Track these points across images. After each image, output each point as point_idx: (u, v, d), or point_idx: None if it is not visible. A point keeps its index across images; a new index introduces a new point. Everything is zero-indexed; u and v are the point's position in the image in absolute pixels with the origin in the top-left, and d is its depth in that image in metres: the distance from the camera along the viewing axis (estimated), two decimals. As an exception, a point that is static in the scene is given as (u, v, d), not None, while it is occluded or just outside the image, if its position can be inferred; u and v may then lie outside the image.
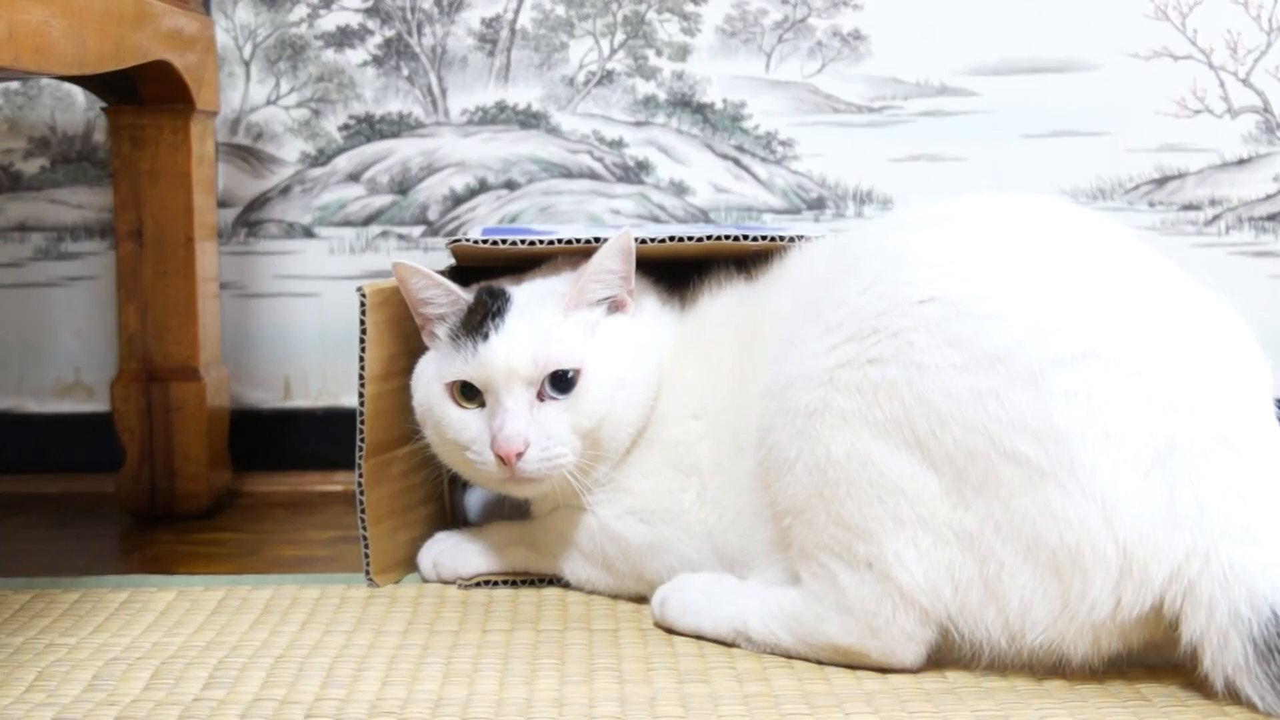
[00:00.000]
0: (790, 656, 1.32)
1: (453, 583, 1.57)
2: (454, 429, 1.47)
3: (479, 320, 1.46)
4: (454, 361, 1.46)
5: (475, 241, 1.55)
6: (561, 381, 1.45)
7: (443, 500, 1.72)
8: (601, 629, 1.42)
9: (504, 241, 1.54)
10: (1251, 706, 1.17)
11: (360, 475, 1.56)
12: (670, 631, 1.40)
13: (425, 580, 1.58)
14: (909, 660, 1.27)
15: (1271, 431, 1.24)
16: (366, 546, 1.57)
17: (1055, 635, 1.22)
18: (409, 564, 1.62)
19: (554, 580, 1.57)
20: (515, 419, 1.42)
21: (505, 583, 1.57)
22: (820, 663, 1.30)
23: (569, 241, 1.54)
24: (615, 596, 1.53)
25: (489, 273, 1.58)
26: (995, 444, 1.20)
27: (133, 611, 1.48)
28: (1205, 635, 1.18)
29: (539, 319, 1.46)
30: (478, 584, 1.57)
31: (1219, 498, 1.19)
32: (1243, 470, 1.20)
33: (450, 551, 1.59)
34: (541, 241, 1.54)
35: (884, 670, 1.28)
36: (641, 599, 1.50)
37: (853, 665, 1.29)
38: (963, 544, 1.22)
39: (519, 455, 1.41)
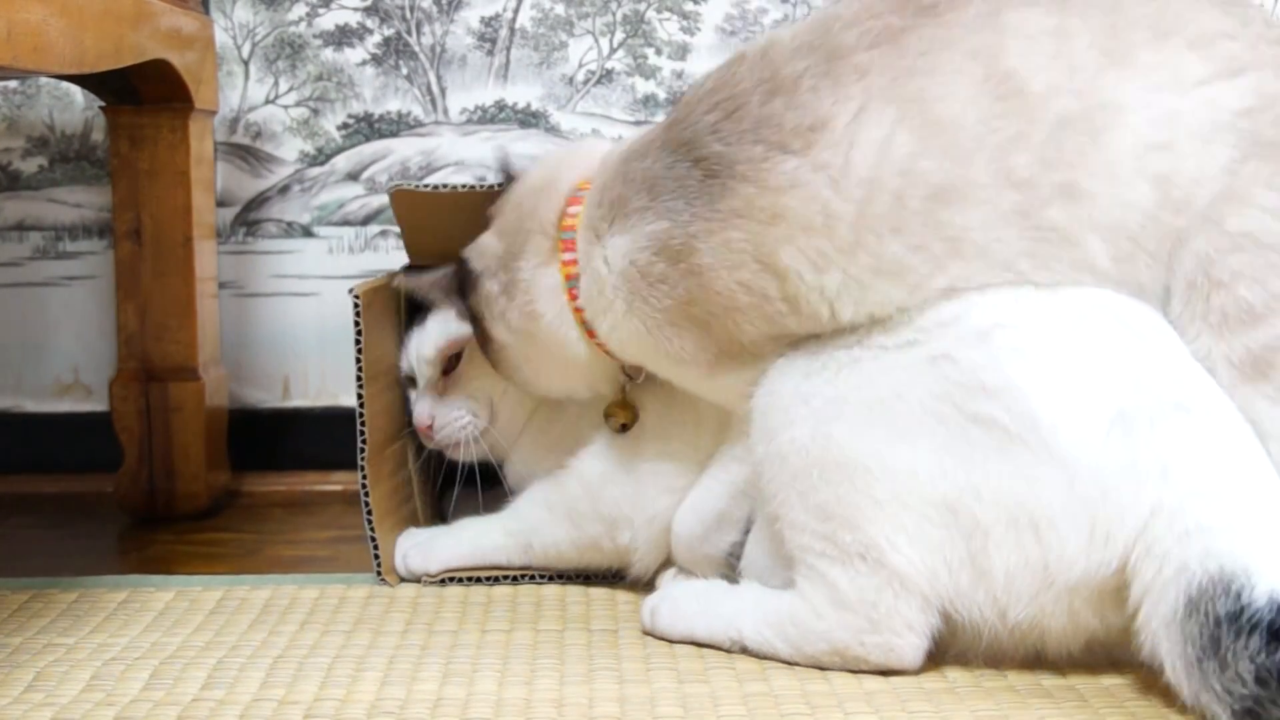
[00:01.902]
0: (788, 663, 1.31)
1: (420, 580, 1.57)
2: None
3: (410, 320, 1.67)
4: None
5: (416, 186, 1.59)
6: (455, 360, 1.63)
7: (430, 495, 1.73)
8: (601, 629, 1.42)
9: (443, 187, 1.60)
10: (1161, 670, 1.16)
11: (364, 475, 1.55)
12: (664, 640, 1.39)
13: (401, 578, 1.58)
14: (909, 656, 1.26)
15: (1225, 404, 1.24)
16: (376, 547, 1.56)
17: (1037, 609, 1.22)
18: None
19: (526, 575, 1.57)
20: (419, 403, 1.64)
21: (487, 579, 1.57)
22: (820, 668, 1.30)
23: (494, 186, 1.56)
24: (581, 565, 1.55)
25: None
26: (960, 408, 1.22)
27: (131, 611, 1.48)
28: (1149, 589, 1.17)
29: (449, 311, 1.59)
30: (444, 580, 1.57)
31: (1181, 457, 1.19)
32: (1201, 434, 1.21)
33: (422, 545, 1.59)
34: (473, 187, 1.58)
35: (884, 672, 1.28)
36: (609, 576, 1.51)
37: (852, 668, 1.28)
38: (945, 519, 1.23)
39: (429, 429, 1.62)
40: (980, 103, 1.24)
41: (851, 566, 1.26)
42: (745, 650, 1.33)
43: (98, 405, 2.14)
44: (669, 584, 1.44)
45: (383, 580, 1.57)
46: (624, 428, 1.50)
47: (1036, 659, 1.26)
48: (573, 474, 1.54)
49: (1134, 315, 1.26)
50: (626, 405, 1.50)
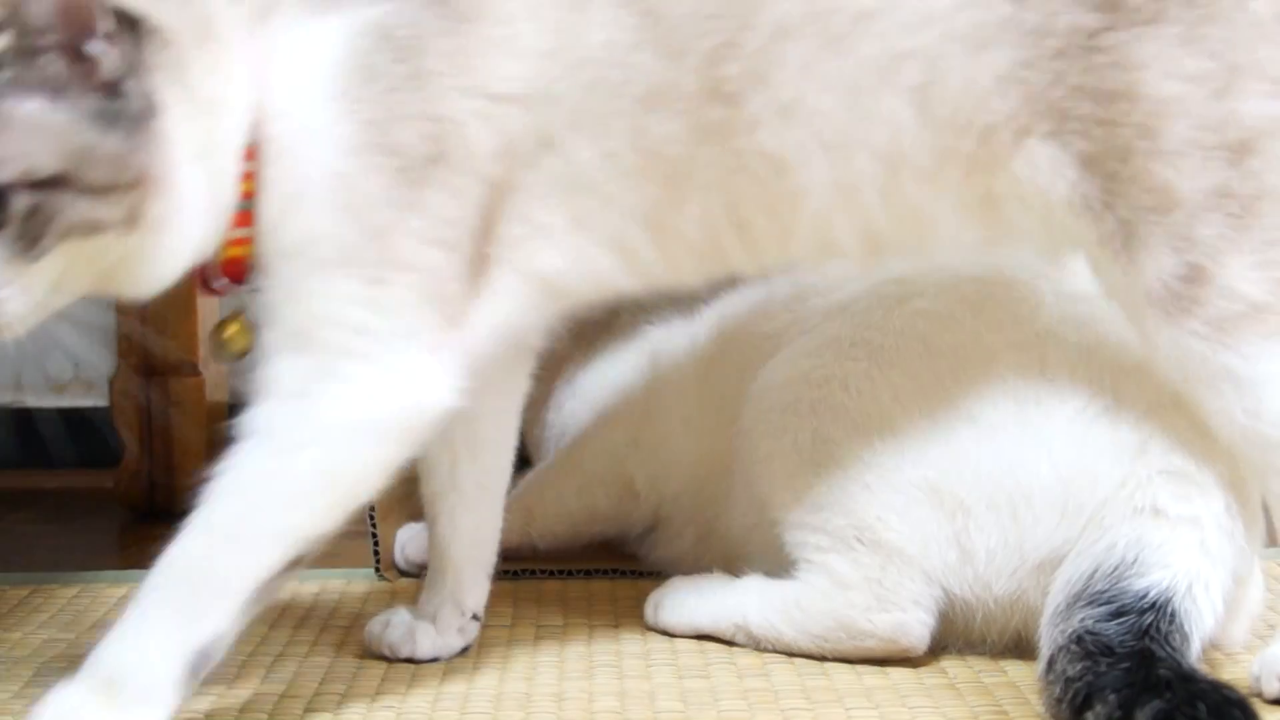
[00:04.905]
0: (791, 653, 1.31)
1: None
2: None
3: None
4: None
5: None
6: None
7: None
8: (601, 624, 1.42)
9: None
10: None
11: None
12: (667, 634, 1.39)
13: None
14: (917, 632, 1.26)
15: None
16: (376, 542, 1.56)
17: (1016, 585, 1.24)
18: (408, 559, 1.63)
19: (526, 571, 1.57)
20: None
21: (506, 575, 1.57)
22: (823, 657, 1.30)
23: None
24: None
25: None
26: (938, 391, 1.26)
27: (131, 607, 1.48)
28: (1079, 552, 1.20)
29: None
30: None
31: (1162, 438, 1.21)
32: (1186, 426, 1.21)
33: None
34: None
35: (891, 654, 1.27)
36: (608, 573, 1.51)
37: (859, 655, 1.28)
38: (932, 500, 1.25)
39: None
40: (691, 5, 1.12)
41: (851, 550, 1.26)
42: (750, 636, 1.33)
43: (98, 400, 2.14)
44: (672, 579, 1.44)
45: (382, 576, 1.57)
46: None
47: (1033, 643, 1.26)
48: None
49: None
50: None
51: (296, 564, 1.12)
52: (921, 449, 1.26)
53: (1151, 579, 1.15)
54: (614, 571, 1.58)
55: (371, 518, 1.56)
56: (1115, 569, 1.16)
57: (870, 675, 1.27)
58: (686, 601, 1.38)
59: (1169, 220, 1.10)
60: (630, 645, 1.36)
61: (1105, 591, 1.15)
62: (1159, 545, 1.18)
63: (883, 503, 1.26)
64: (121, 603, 1.49)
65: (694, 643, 1.36)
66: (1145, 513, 1.19)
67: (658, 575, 1.48)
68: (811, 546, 1.28)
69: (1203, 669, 1.12)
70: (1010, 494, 1.23)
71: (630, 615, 1.44)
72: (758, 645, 1.33)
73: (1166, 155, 1.10)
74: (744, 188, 1.14)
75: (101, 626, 1.42)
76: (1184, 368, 1.13)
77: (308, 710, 1.20)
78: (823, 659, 1.30)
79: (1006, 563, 1.24)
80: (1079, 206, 1.13)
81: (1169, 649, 1.10)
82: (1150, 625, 1.12)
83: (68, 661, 1.32)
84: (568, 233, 1.15)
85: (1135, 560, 1.16)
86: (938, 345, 1.29)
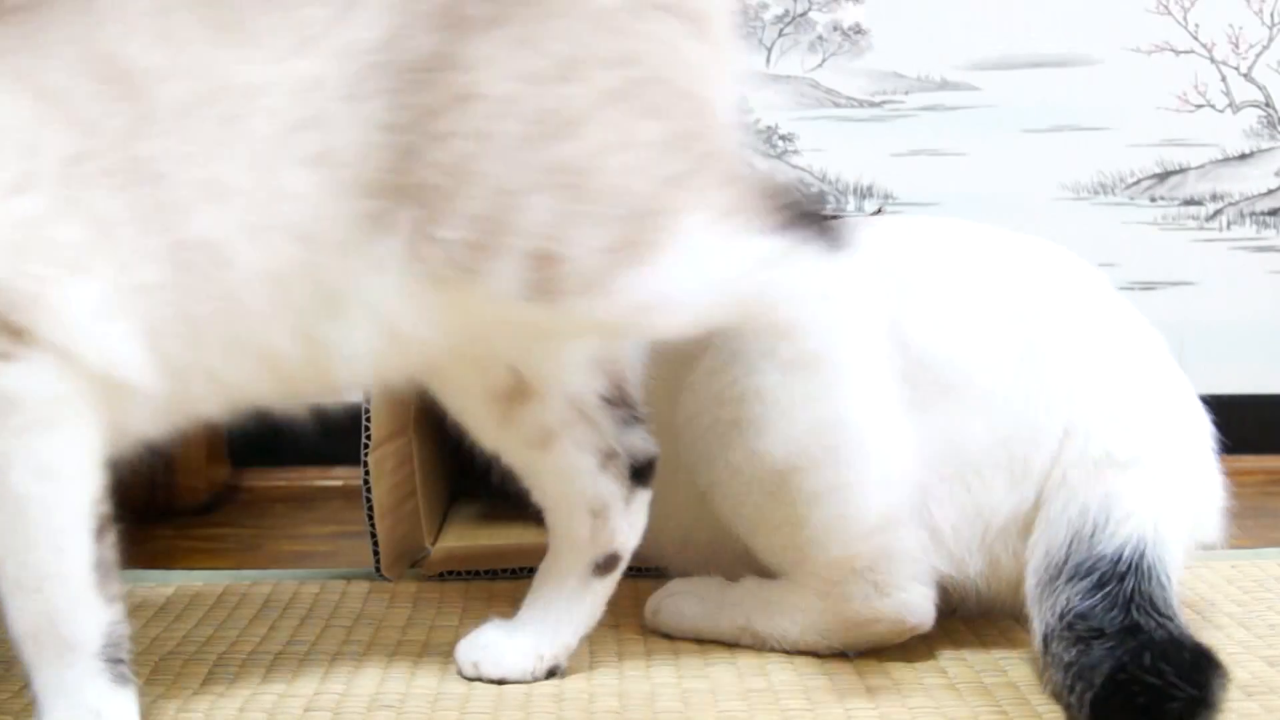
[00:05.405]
0: (800, 651, 1.31)
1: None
2: None
3: None
4: None
5: None
6: None
7: (432, 492, 1.73)
8: (601, 624, 1.42)
9: None
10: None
11: (366, 470, 1.55)
12: (671, 636, 1.39)
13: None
14: (921, 607, 1.26)
15: (1139, 332, 1.30)
16: (376, 542, 1.56)
17: (986, 555, 1.26)
18: (409, 558, 1.62)
19: (526, 570, 1.56)
20: None
21: (486, 573, 1.57)
22: (834, 651, 1.29)
23: None
24: None
25: None
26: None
27: (131, 606, 1.47)
28: (1050, 519, 1.22)
29: None
30: (443, 575, 1.58)
31: (1090, 381, 1.25)
32: (1111, 360, 1.26)
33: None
34: None
35: (903, 635, 1.28)
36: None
37: (872, 642, 1.28)
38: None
39: None
40: (89, 86, 1.05)
41: (828, 554, 1.26)
42: (757, 638, 1.32)
43: (98, 400, 2.13)
44: (671, 582, 1.44)
45: (383, 576, 1.57)
46: None
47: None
48: None
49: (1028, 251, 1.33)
50: None
51: (106, 527, 1.10)
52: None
53: (1123, 535, 1.18)
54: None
55: (371, 517, 1.56)
56: (1091, 535, 1.18)
57: (870, 675, 1.27)
58: (685, 610, 1.38)
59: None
60: (630, 645, 1.36)
61: (1084, 562, 1.17)
62: (1122, 495, 1.20)
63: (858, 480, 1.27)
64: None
65: (694, 643, 1.36)
66: (1104, 464, 1.22)
67: (658, 575, 1.48)
68: (791, 561, 1.29)
69: (1183, 617, 1.16)
70: (956, 464, 1.24)
71: (630, 615, 1.44)
72: (764, 646, 1.32)
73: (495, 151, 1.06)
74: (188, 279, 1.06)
75: (101, 626, 1.42)
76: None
77: (308, 710, 1.20)
78: (833, 653, 1.29)
79: (972, 535, 1.25)
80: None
81: (1153, 614, 1.14)
82: (1133, 591, 1.15)
83: (67, 661, 1.32)
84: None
85: (1107, 520, 1.19)
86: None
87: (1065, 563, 1.18)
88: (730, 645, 1.34)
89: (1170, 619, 1.14)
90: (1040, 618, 1.18)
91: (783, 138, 2.12)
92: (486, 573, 1.57)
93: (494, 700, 1.22)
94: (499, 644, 1.26)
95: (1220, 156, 2.14)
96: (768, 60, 2.11)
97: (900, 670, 1.28)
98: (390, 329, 1.10)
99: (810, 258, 1.10)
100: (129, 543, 1.68)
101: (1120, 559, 1.17)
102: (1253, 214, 2.15)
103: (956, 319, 1.27)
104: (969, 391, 1.25)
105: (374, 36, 1.05)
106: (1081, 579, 1.17)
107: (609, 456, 1.26)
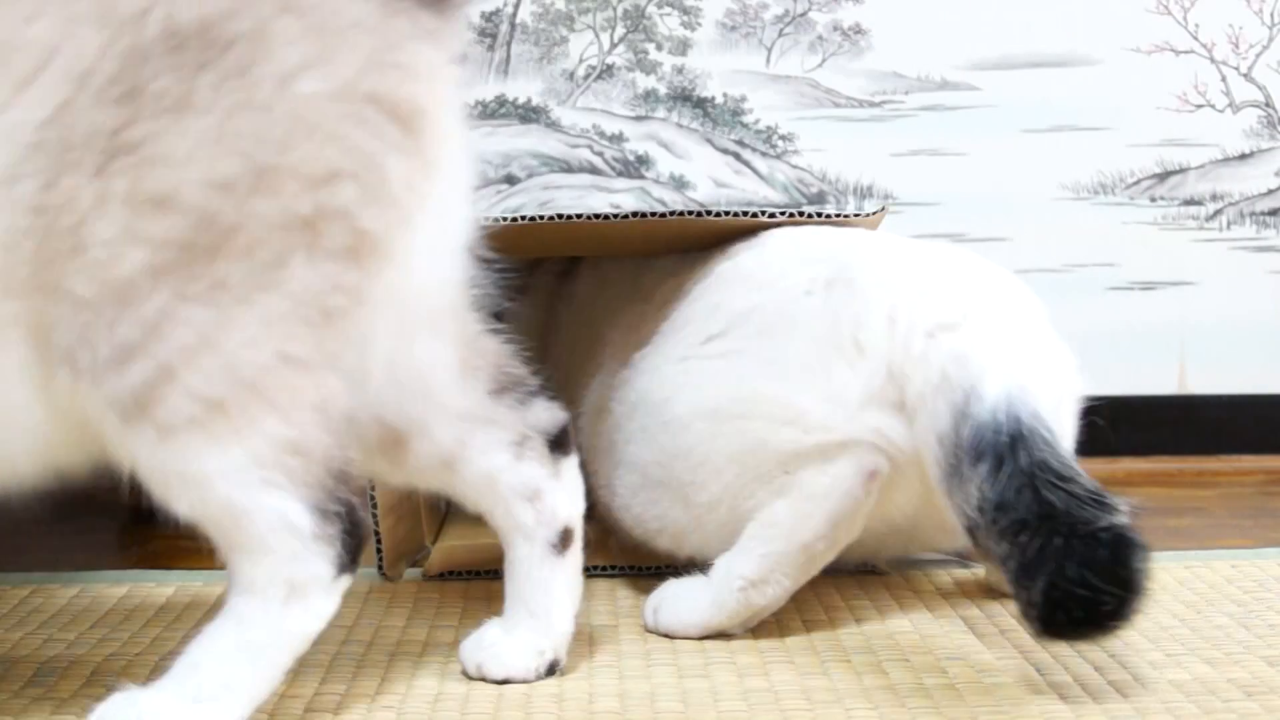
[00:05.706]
0: (799, 573, 1.33)
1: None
2: None
3: None
4: None
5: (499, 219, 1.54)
6: None
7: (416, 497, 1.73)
8: (601, 624, 1.42)
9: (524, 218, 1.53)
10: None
11: (366, 470, 1.56)
12: (671, 636, 1.39)
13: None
14: (879, 462, 1.29)
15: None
16: (379, 541, 1.56)
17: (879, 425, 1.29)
18: (410, 557, 1.62)
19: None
20: None
21: (487, 573, 1.57)
22: (835, 543, 1.32)
23: (592, 217, 1.52)
24: None
25: None
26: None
27: (132, 607, 1.48)
28: (922, 399, 1.25)
29: None
30: (443, 575, 1.59)
31: (902, 276, 1.33)
32: (924, 267, 1.35)
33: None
34: (564, 216, 1.53)
35: (869, 466, 1.29)
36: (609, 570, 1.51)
37: (853, 508, 1.30)
38: (738, 426, 1.36)
39: None
40: None
41: (755, 498, 1.34)
42: (758, 583, 1.33)
43: (99, 400, 2.13)
44: (666, 583, 1.44)
45: (385, 575, 1.57)
46: None
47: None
48: None
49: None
50: None
51: None
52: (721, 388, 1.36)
53: (992, 396, 1.20)
54: (614, 570, 1.58)
55: (374, 517, 1.56)
56: (964, 406, 1.20)
57: (870, 675, 1.27)
58: (680, 607, 1.38)
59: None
60: (630, 645, 1.36)
61: (975, 440, 1.19)
62: (968, 353, 1.23)
63: (723, 466, 1.35)
64: (122, 602, 1.49)
65: (694, 643, 1.36)
66: (937, 331, 1.26)
67: (658, 575, 1.48)
68: (734, 527, 1.35)
69: (1079, 467, 1.19)
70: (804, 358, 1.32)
71: (630, 615, 1.44)
72: (767, 586, 1.32)
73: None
74: None
75: (101, 626, 1.42)
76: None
77: (308, 710, 1.20)
78: (836, 545, 1.32)
79: (838, 413, 1.29)
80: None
81: (1059, 483, 1.16)
82: (1030, 466, 1.17)
83: (68, 662, 1.32)
84: None
85: (971, 385, 1.21)
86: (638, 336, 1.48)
87: (956, 444, 1.20)
88: (730, 645, 1.35)
89: (1073, 479, 1.16)
90: (959, 510, 1.20)
91: (783, 138, 2.13)
92: (487, 573, 1.57)
93: (494, 700, 1.22)
94: (500, 644, 1.26)
95: (1220, 156, 2.14)
96: (768, 60, 2.12)
97: (900, 670, 1.28)
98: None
99: None
100: (129, 543, 1.68)
101: (1000, 426, 1.18)
102: (1253, 214, 2.15)
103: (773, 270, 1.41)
104: (785, 320, 1.34)
105: (44, 112, 0.96)
106: (980, 461, 1.18)
107: (520, 444, 1.23)
